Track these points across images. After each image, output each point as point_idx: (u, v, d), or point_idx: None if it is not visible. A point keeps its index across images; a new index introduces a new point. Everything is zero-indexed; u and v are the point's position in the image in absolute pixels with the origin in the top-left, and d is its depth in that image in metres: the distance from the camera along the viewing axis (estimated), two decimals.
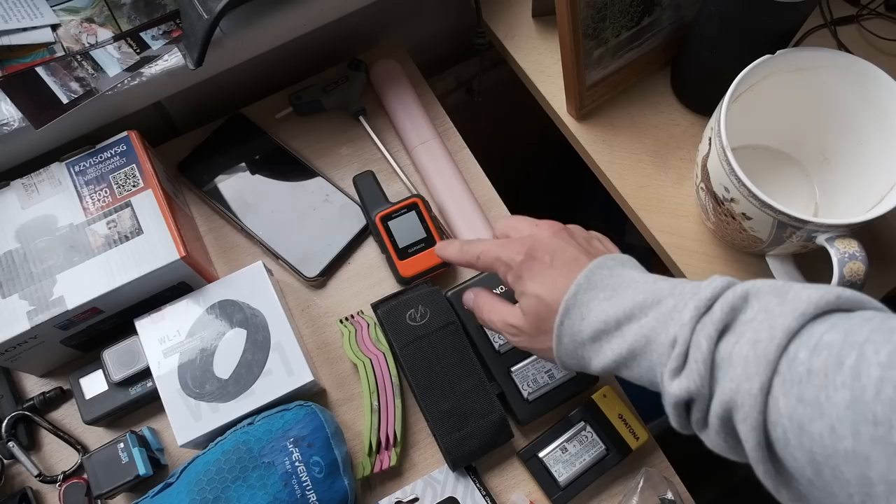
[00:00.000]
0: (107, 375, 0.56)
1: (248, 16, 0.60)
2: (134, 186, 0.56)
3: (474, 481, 0.56)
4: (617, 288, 0.42)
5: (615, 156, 0.67)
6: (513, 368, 0.57)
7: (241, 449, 0.50)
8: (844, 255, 0.49)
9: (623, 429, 0.56)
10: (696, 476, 0.63)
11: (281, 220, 0.65)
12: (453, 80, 0.89)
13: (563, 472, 0.55)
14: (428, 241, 0.62)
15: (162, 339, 0.55)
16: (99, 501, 0.55)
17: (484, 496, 0.55)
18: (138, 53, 0.58)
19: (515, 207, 0.65)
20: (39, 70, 0.56)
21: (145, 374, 0.56)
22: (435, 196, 0.66)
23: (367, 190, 0.64)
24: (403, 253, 0.62)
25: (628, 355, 0.40)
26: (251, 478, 0.50)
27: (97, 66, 0.57)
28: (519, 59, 0.72)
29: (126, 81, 0.57)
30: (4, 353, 0.52)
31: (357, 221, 0.65)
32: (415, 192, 0.66)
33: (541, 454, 0.56)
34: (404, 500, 0.56)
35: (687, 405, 0.38)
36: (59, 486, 0.55)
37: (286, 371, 0.54)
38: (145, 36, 0.59)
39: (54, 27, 0.57)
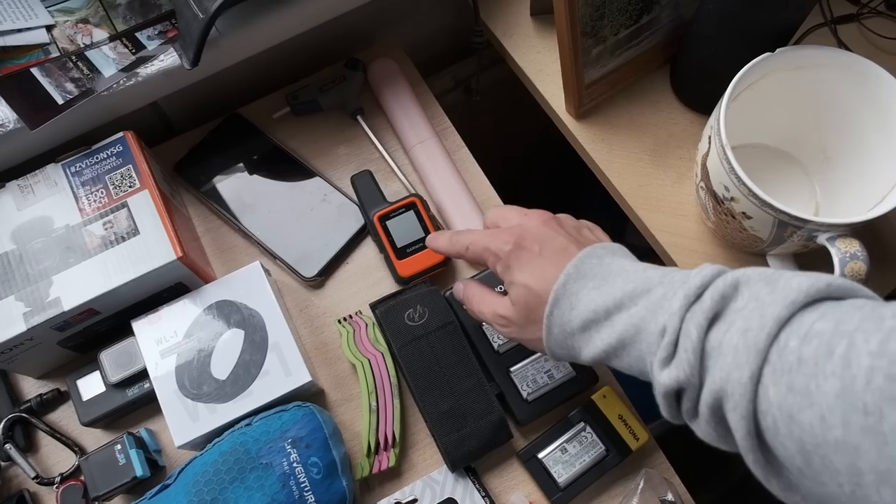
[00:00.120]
0: (104, 377, 0.56)
1: (244, 15, 0.59)
2: (130, 187, 0.56)
3: (473, 482, 0.56)
4: (606, 277, 0.42)
5: (614, 155, 0.66)
6: (512, 368, 0.57)
7: (239, 450, 0.50)
8: (845, 255, 0.48)
9: (623, 429, 0.56)
10: (696, 477, 0.63)
11: (278, 220, 0.64)
12: (451, 79, 0.89)
13: (562, 473, 0.55)
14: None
15: (159, 340, 0.55)
16: (96, 503, 0.54)
17: (483, 497, 0.55)
18: (134, 54, 0.58)
19: None
20: (34, 71, 0.56)
21: (142, 375, 0.56)
22: (433, 195, 0.66)
23: (365, 189, 0.63)
24: (402, 252, 0.61)
25: (618, 345, 0.40)
26: (249, 479, 0.49)
27: (92, 67, 0.57)
28: (517, 58, 0.72)
29: (122, 82, 0.57)
30: (1, 354, 0.52)
31: (355, 221, 0.65)
32: (413, 192, 0.65)
33: (540, 455, 0.55)
34: (403, 502, 0.55)
35: (677, 395, 0.37)
36: (57, 488, 0.55)
37: (284, 372, 0.54)
38: (141, 36, 0.58)
39: (49, 28, 0.57)
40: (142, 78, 0.57)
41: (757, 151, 0.63)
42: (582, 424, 0.56)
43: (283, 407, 0.53)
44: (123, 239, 0.54)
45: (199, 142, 0.67)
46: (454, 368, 0.56)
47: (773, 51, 0.53)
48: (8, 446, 0.56)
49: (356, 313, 0.61)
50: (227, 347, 0.54)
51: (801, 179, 0.62)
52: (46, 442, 0.58)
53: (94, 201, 0.55)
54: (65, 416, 0.59)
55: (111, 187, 0.56)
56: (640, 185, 0.65)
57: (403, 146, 0.68)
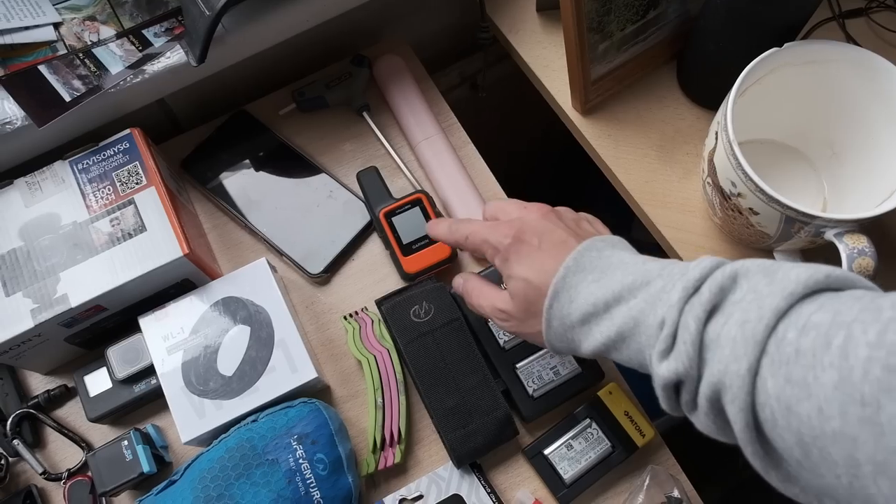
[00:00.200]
0: (111, 373, 0.56)
1: (250, 12, 0.59)
2: (137, 184, 0.56)
3: (479, 478, 0.56)
4: (606, 270, 0.42)
5: (620, 150, 0.66)
6: (518, 365, 0.57)
7: (245, 446, 0.50)
8: (853, 251, 0.48)
9: (629, 426, 0.56)
10: (702, 473, 0.63)
11: (285, 216, 0.64)
12: (457, 75, 0.89)
13: (568, 470, 0.54)
14: (432, 238, 0.61)
15: (166, 337, 0.55)
16: (103, 499, 0.55)
17: (489, 493, 0.55)
18: (140, 51, 0.58)
19: None
20: (42, 68, 0.56)
21: (149, 371, 0.56)
22: (439, 191, 0.66)
23: (371, 186, 0.63)
24: (407, 249, 0.61)
25: (617, 338, 0.40)
26: (255, 475, 0.50)
27: (100, 64, 0.57)
28: (523, 54, 0.72)
29: (129, 79, 0.57)
30: (9, 351, 0.53)
31: (361, 218, 0.65)
32: (419, 188, 0.65)
33: (546, 451, 0.55)
34: (409, 498, 0.55)
35: (676, 387, 0.37)
36: (64, 483, 0.55)
37: (290, 368, 0.54)
38: (147, 33, 0.58)
39: (56, 25, 0.57)
40: (148, 75, 0.58)
41: (764, 147, 0.63)
42: (588, 421, 0.56)
43: (289, 403, 0.53)
44: (130, 236, 0.54)
45: (205, 138, 0.68)
46: (460, 365, 0.56)
47: (780, 46, 0.53)
48: (16, 442, 0.57)
49: (362, 310, 0.61)
50: (234, 344, 0.55)
51: (808, 175, 0.62)
52: (54, 438, 0.59)
53: (102, 198, 0.56)
54: (72, 412, 0.59)
55: (118, 184, 0.56)
56: (646, 181, 0.65)
57: (409, 142, 0.68)
